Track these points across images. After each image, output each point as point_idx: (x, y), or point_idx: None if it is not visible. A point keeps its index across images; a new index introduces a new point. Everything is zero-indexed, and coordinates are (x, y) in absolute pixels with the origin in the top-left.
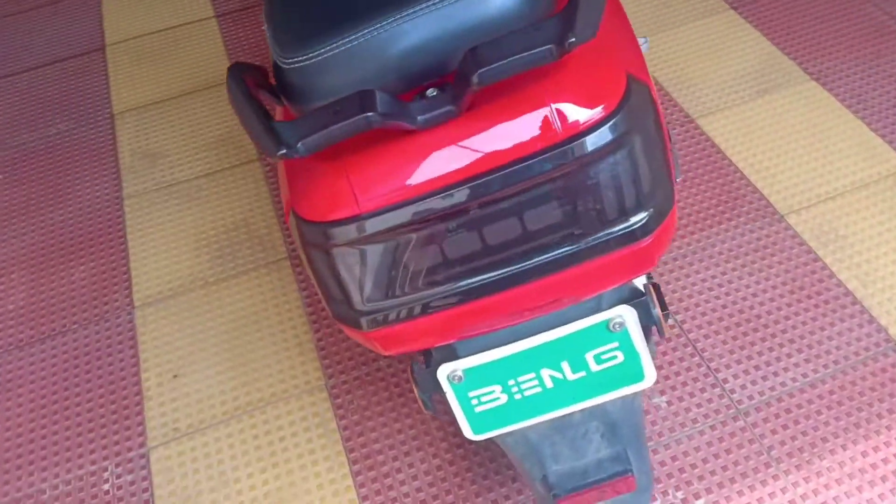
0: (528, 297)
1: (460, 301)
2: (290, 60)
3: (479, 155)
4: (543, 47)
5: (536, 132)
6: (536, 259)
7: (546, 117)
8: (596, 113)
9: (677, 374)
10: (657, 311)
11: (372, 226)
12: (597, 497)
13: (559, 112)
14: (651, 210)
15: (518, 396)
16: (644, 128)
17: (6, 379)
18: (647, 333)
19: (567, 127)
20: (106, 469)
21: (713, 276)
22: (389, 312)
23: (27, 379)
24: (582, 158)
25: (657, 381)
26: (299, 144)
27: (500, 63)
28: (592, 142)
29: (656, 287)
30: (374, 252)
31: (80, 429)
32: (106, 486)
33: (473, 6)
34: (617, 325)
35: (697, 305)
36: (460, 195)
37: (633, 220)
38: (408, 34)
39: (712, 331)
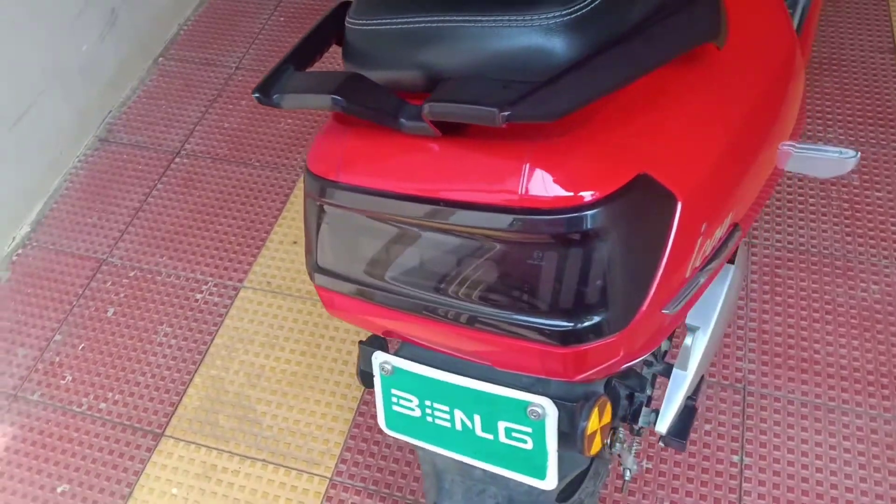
0: (451, 338)
1: (390, 304)
2: (352, 21)
3: (440, 179)
4: (487, 107)
5: (500, 184)
6: (461, 304)
7: (517, 175)
8: (567, 196)
9: None
10: (585, 425)
11: (338, 197)
12: None
13: (531, 176)
14: (579, 324)
15: (429, 419)
16: (621, 241)
17: (190, 179)
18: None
19: (530, 196)
20: (207, 283)
21: None
22: (336, 280)
23: (208, 187)
24: (530, 234)
25: None
26: (275, 95)
27: (446, 104)
28: (546, 223)
29: (612, 401)
30: (335, 221)
31: (216, 242)
32: (199, 296)
33: (527, 37)
34: (534, 414)
35: None
36: (412, 209)
37: (557, 321)
38: (462, 39)
39: None
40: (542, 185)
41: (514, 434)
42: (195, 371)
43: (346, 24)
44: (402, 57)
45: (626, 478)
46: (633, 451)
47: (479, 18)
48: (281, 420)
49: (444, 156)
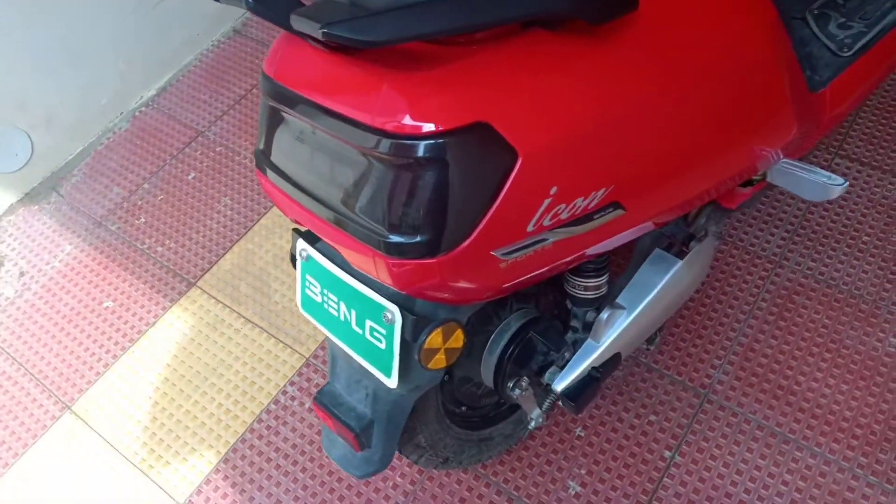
0: (327, 234)
1: (290, 194)
2: None
3: (325, 88)
4: (314, 21)
5: (361, 102)
6: (329, 202)
7: (375, 96)
8: (407, 125)
9: None
10: (424, 339)
11: (270, 92)
12: (333, 427)
13: (384, 100)
14: (401, 238)
15: (326, 307)
16: (449, 175)
17: None
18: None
19: (379, 117)
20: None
21: None
22: (266, 167)
23: None
24: (372, 150)
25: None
26: None
27: (298, 15)
28: (385, 144)
29: (526, 353)
30: (269, 113)
31: None
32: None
33: None
34: (386, 318)
35: None
36: (303, 109)
37: (385, 233)
38: None
39: None
40: (391, 109)
41: (374, 333)
42: (237, 241)
43: None
44: None
45: (530, 427)
46: (545, 407)
47: None
48: (287, 300)
49: (333, 67)
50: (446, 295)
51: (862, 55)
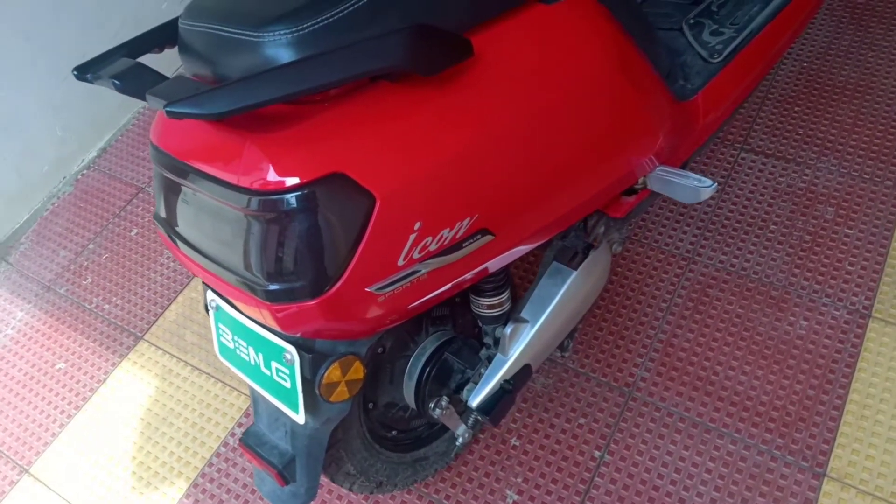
0: (217, 284)
1: (181, 249)
2: (180, 21)
3: (195, 149)
4: (159, 98)
5: (226, 162)
6: (214, 256)
7: (238, 157)
8: (268, 181)
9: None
10: (322, 374)
11: (154, 156)
12: (259, 465)
13: (246, 159)
14: (276, 286)
15: (238, 352)
16: (312, 223)
17: None
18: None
19: (244, 175)
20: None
21: None
22: (164, 228)
23: None
24: (241, 207)
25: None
26: (89, 75)
27: (150, 93)
28: (249, 200)
29: (443, 373)
30: (156, 176)
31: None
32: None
33: (262, 50)
34: (286, 359)
35: None
36: (178, 169)
37: (261, 281)
38: (222, 46)
39: None
40: (254, 169)
41: (280, 373)
42: (180, 291)
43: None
44: (194, 56)
45: (457, 443)
46: (469, 423)
47: (231, 30)
48: None
49: (204, 133)
50: (334, 332)
51: (731, 60)
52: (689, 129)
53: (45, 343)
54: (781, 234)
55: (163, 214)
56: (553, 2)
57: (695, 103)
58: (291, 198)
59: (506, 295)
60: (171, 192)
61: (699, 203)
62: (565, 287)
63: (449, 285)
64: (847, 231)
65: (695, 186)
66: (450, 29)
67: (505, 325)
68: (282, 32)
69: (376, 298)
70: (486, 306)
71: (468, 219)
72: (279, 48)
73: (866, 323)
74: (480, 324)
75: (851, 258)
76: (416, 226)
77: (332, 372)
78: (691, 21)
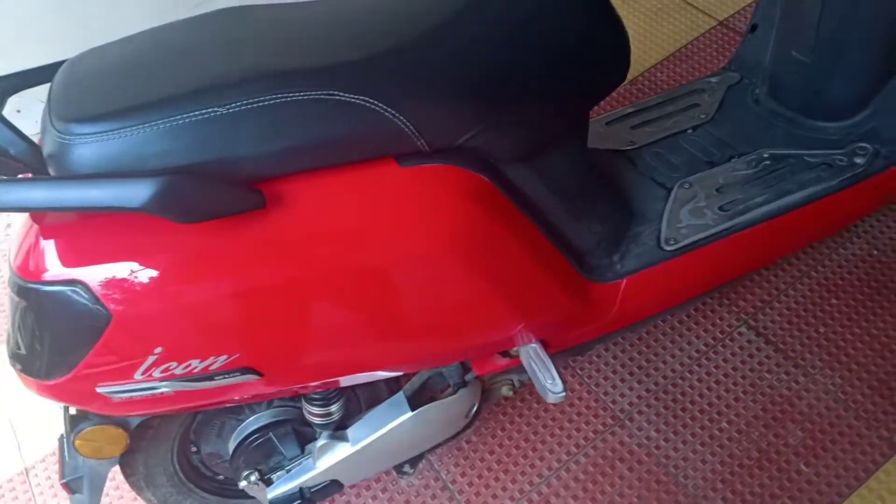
0: None
1: None
2: None
3: None
4: None
5: (23, 233)
6: None
7: (27, 231)
8: (23, 270)
9: None
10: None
11: None
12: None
13: (21, 250)
14: (24, 366)
15: None
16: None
17: None
18: None
19: (18, 248)
20: None
21: None
22: None
23: None
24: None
25: None
26: None
27: None
28: (12, 283)
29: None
30: None
31: None
32: None
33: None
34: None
35: None
36: None
37: (18, 351)
38: None
39: None
40: (24, 250)
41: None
42: None
43: None
44: None
45: None
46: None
47: (50, 115)
48: None
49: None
50: (84, 408)
51: (686, 254)
52: (595, 315)
53: None
54: (728, 438)
55: None
56: (409, 165)
57: (613, 288)
58: (35, 289)
59: (335, 407)
60: None
61: (689, 372)
62: (394, 423)
63: (205, 404)
64: (802, 467)
65: (544, 385)
66: (260, 173)
67: (323, 435)
68: (69, 135)
69: (110, 399)
70: (313, 413)
71: (226, 356)
72: (65, 150)
73: None
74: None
75: (788, 499)
76: (157, 350)
77: (88, 434)
78: (686, 185)
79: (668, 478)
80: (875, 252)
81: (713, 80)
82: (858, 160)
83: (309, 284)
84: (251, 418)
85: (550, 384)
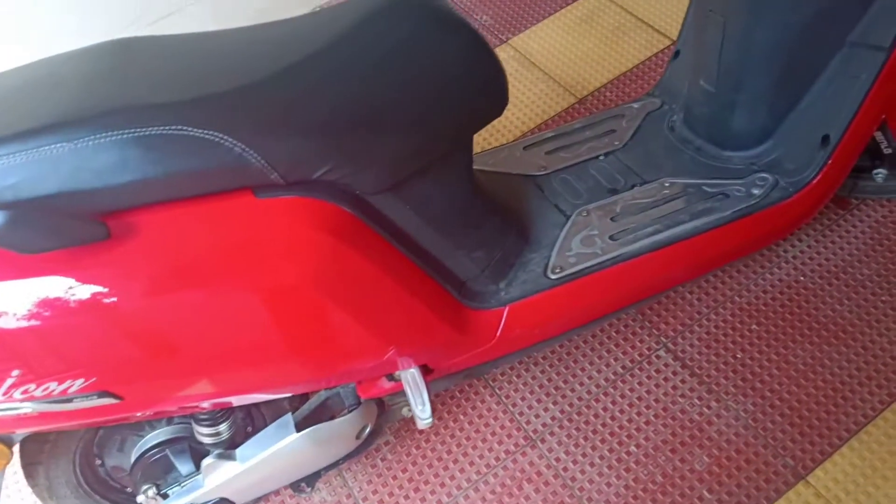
0: None
1: None
2: None
3: None
4: None
5: None
6: None
7: None
8: None
9: None
10: None
11: None
12: None
13: None
14: None
15: None
16: None
17: None
18: None
19: None
20: None
21: None
22: None
23: None
24: None
25: None
26: None
27: None
28: None
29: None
30: None
31: None
32: None
33: None
34: None
35: None
36: None
37: None
38: None
39: None
40: None
41: None
42: None
43: None
44: None
45: None
46: None
47: None
48: None
49: None
50: None
51: (570, 282)
52: (477, 341)
53: None
54: (635, 462)
55: None
56: (265, 196)
57: (496, 315)
58: None
59: (223, 427)
60: None
61: (612, 399)
62: (281, 444)
63: (72, 424)
64: (705, 493)
65: (413, 410)
66: (110, 205)
67: (211, 454)
68: None
69: None
70: (201, 434)
71: (83, 380)
72: None
73: None
74: None
75: None
76: (15, 372)
77: None
78: (584, 213)
79: (572, 500)
80: (802, 278)
81: (635, 105)
82: (756, 191)
83: (158, 312)
84: (150, 434)
85: (419, 410)
